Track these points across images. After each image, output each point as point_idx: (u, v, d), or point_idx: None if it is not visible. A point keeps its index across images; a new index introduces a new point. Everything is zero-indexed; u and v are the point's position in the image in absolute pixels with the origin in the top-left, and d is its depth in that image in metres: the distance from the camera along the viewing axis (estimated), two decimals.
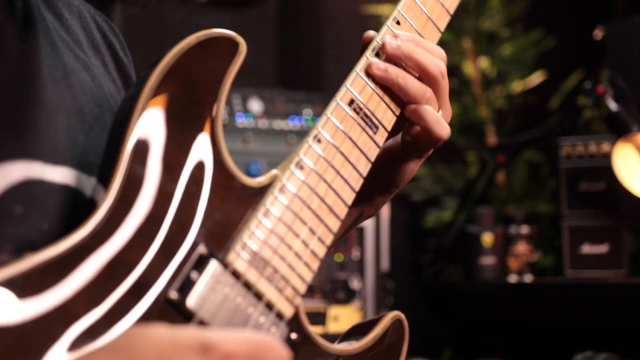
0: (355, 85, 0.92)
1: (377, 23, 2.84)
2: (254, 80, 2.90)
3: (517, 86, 2.96)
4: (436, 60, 0.94)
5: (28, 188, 0.78)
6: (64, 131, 0.82)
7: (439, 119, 0.93)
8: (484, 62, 2.93)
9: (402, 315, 0.95)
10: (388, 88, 0.93)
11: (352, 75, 0.92)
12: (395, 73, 0.92)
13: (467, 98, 2.91)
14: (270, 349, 0.67)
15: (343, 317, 2.38)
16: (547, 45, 2.93)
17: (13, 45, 0.81)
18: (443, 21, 1.02)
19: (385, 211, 2.47)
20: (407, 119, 0.95)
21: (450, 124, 0.96)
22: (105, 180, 0.77)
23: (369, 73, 0.93)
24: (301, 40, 3.12)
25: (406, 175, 0.99)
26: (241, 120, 2.51)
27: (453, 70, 2.92)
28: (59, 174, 0.80)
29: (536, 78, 2.96)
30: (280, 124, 2.55)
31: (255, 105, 2.54)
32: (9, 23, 0.82)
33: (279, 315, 0.81)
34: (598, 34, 2.42)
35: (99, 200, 0.75)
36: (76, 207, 0.81)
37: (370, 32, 0.97)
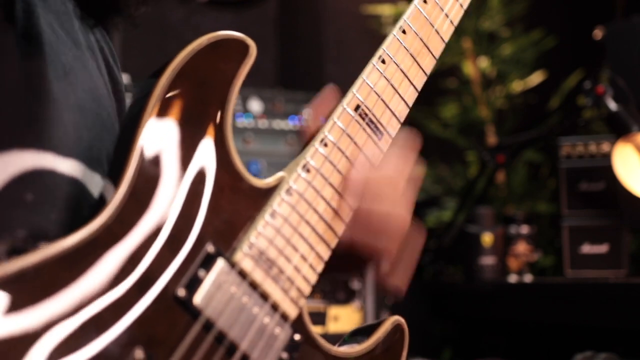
0: (361, 91, 0.93)
1: (376, 23, 2.84)
2: (254, 80, 2.90)
3: (517, 86, 2.96)
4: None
5: (40, 177, 0.79)
6: (71, 125, 0.84)
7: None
8: (484, 62, 2.93)
9: (403, 320, 0.96)
10: (393, 96, 0.94)
11: (359, 82, 0.93)
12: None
13: (467, 98, 2.91)
14: None
15: (343, 317, 2.38)
16: (547, 45, 2.93)
17: (16, 44, 0.83)
18: (448, 32, 1.04)
19: None
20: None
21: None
22: (115, 178, 0.77)
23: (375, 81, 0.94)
24: (301, 40, 3.12)
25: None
26: (241, 120, 2.51)
27: (453, 70, 2.92)
28: (68, 166, 0.82)
29: (536, 78, 2.96)
30: (280, 124, 2.55)
31: (255, 105, 2.54)
32: (10, 23, 0.84)
33: (284, 316, 0.81)
34: (598, 34, 2.42)
35: (109, 197, 0.76)
36: (81, 201, 0.82)
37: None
